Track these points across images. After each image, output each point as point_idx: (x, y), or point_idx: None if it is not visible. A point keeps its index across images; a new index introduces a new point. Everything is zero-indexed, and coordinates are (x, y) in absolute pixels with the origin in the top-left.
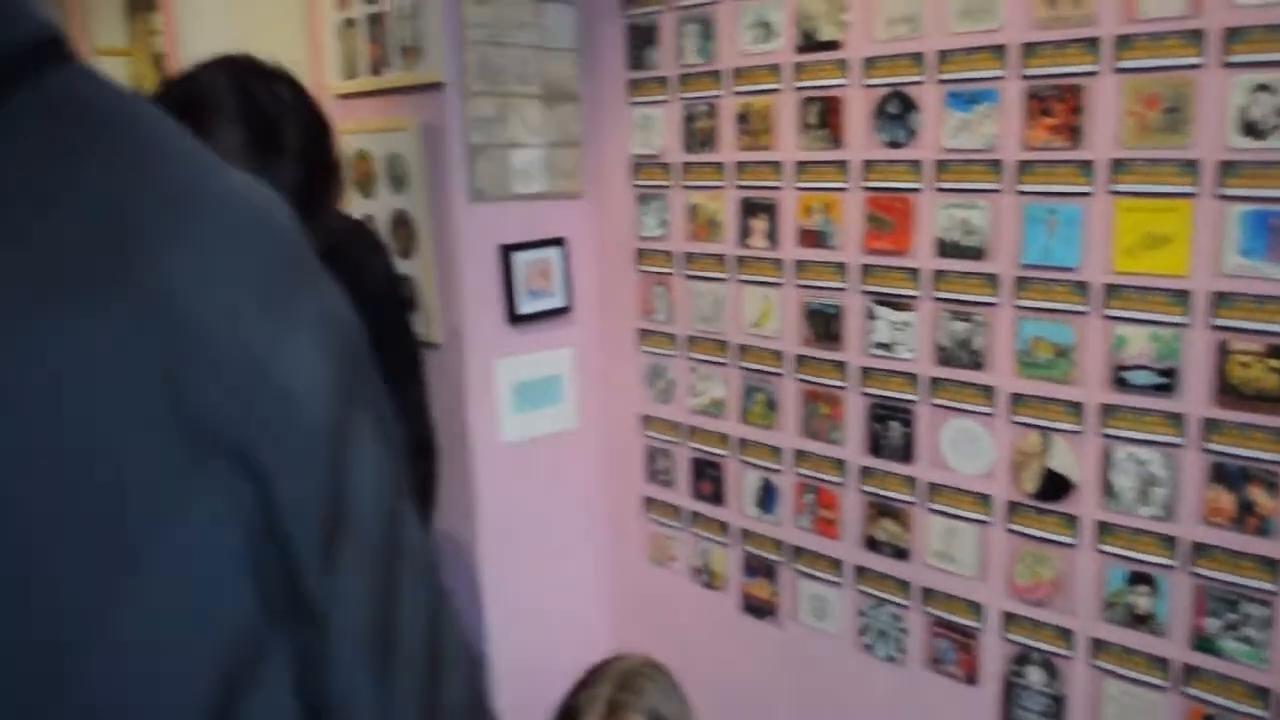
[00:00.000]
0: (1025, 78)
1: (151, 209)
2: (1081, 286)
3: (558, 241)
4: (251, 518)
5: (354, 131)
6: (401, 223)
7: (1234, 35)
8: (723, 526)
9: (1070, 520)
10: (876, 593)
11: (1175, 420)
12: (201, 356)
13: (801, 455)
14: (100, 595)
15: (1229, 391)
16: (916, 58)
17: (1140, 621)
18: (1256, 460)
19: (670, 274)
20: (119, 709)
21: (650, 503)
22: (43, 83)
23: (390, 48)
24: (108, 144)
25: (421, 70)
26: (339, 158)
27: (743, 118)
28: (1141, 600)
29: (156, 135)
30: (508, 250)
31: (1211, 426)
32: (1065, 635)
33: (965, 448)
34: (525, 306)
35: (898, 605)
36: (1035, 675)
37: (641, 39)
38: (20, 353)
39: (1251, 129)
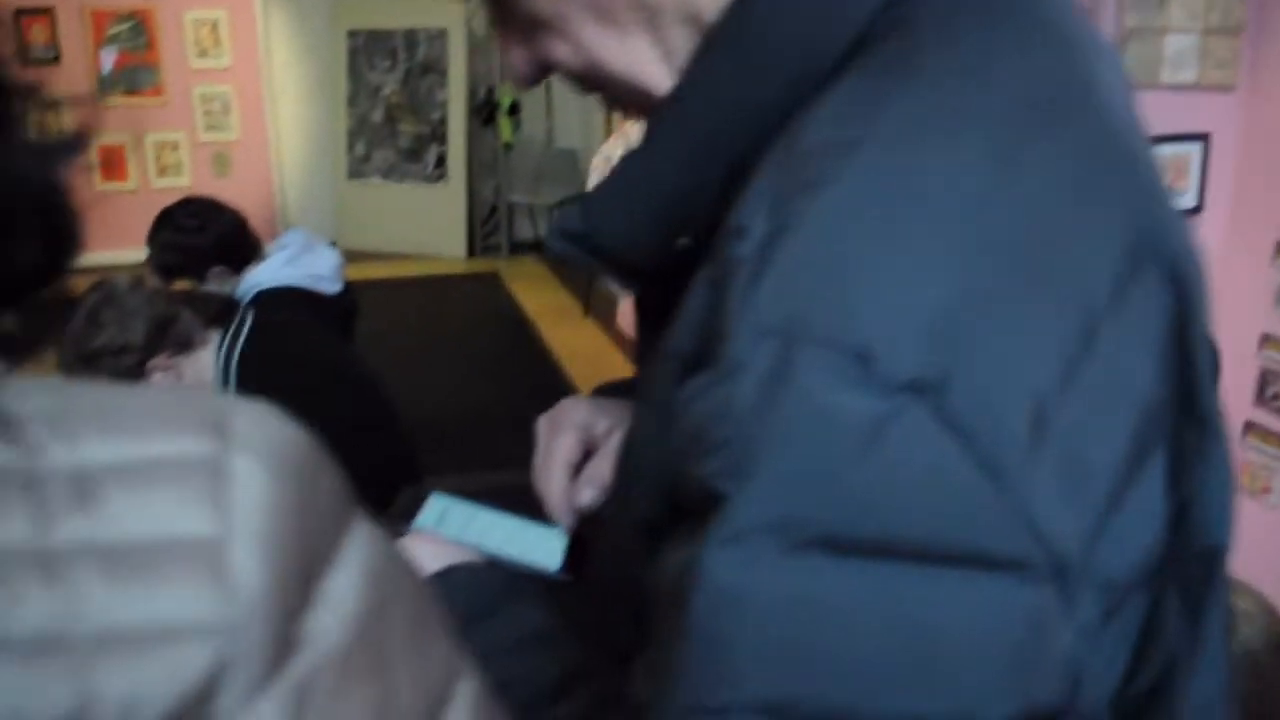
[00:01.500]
0: None
1: (1079, 44)
2: None
3: (1201, 137)
4: (1167, 322)
5: None
6: None
7: None
8: None
9: None
10: None
11: None
12: (1145, 175)
13: None
14: (1065, 370)
15: None
16: None
17: None
18: None
19: None
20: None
21: (1251, 427)
22: None
23: None
24: None
25: None
26: None
27: None
28: None
29: None
30: None
31: None
32: None
33: None
34: None
35: None
36: None
37: None
38: (1008, 173)
39: None
